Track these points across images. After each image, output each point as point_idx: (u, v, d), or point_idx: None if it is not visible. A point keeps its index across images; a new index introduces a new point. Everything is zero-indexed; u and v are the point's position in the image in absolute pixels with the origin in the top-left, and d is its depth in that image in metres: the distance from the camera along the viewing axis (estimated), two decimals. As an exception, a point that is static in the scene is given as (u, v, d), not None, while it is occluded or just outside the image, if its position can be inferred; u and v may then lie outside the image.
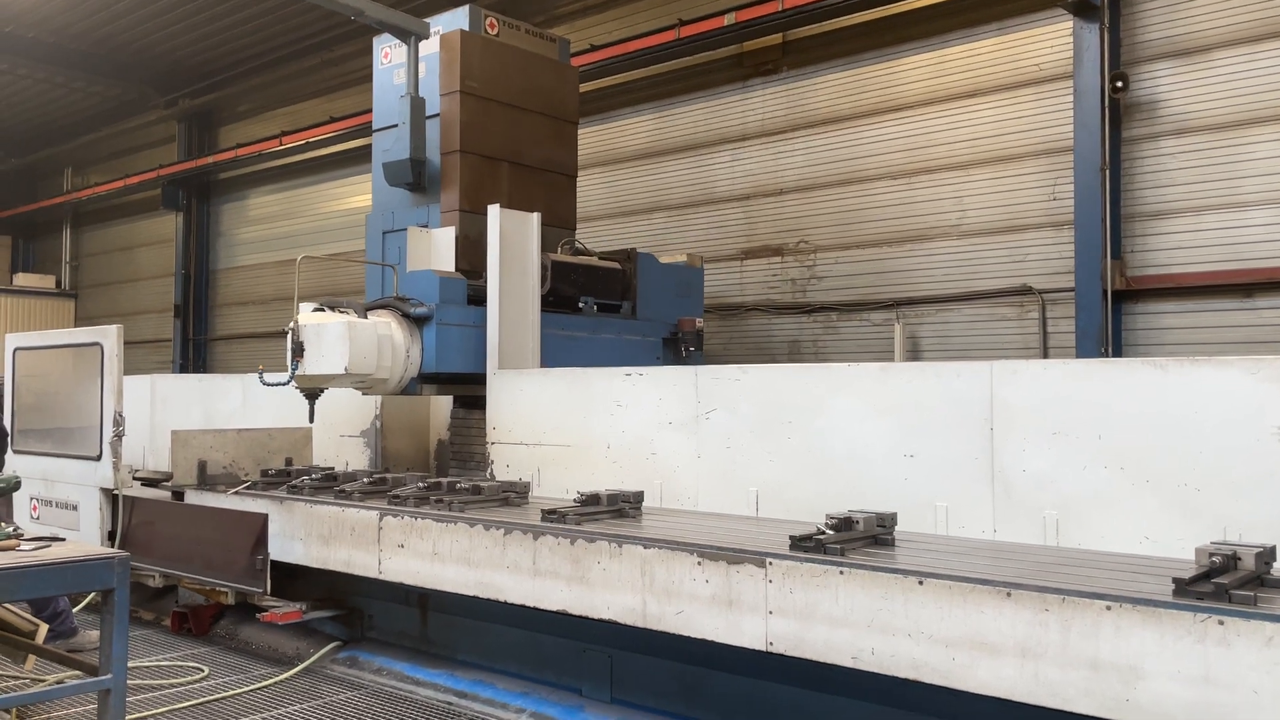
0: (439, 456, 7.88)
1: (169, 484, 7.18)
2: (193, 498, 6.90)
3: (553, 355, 7.49)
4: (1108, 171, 8.91)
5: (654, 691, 5.17)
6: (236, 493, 6.67)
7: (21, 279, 21.96)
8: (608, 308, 8.65)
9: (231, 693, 5.88)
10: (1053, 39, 9.52)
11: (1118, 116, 9.05)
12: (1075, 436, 4.41)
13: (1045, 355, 9.35)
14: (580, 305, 8.31)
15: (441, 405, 7.86)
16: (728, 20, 10.88)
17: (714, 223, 11.90)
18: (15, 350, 8.02)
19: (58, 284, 22.25)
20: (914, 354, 10.24)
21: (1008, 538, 4.56)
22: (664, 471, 5.87)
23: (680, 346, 9.05)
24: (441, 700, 5.74)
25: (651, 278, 9.05)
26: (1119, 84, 8.93)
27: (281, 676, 6.18)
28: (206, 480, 7.06)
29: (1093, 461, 4.36)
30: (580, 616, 4.79)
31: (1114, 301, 8.92)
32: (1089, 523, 4.36)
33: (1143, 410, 4.25)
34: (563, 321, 7.95)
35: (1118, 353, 8.90)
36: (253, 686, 6.00)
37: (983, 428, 4.68)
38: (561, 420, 6.46)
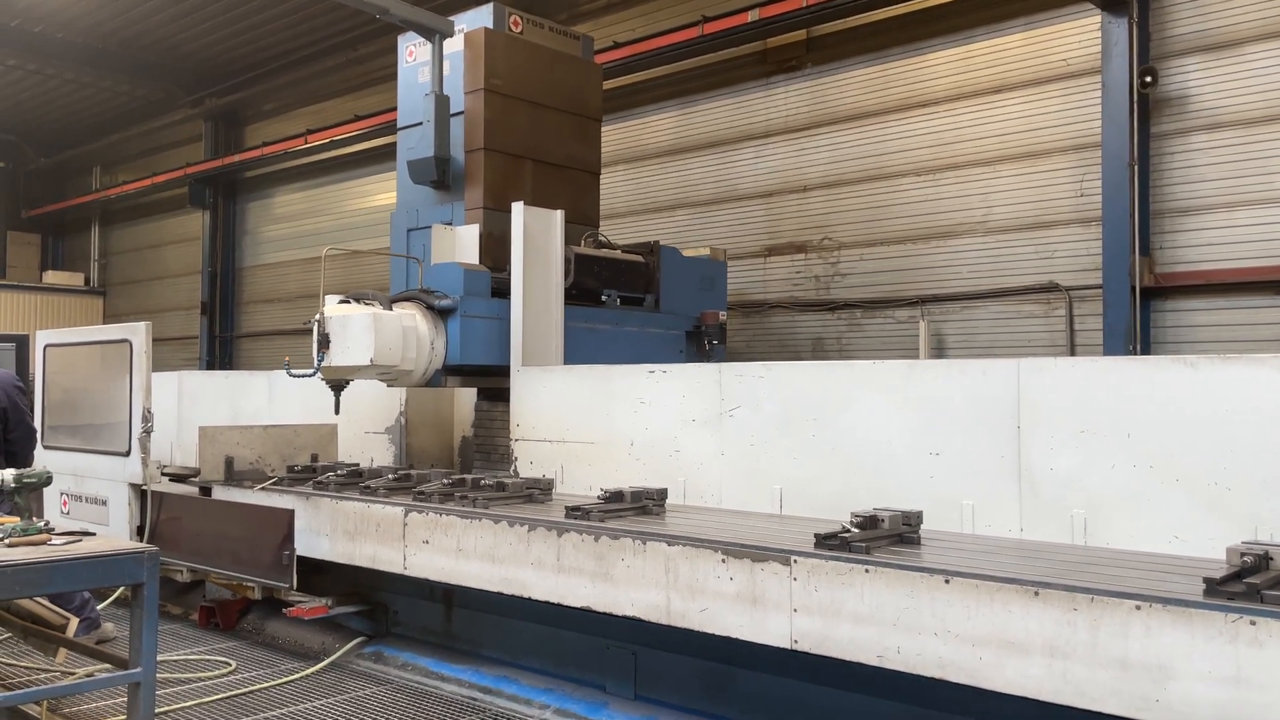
0: (463, 452, 7.91)
1: (197, 479, 7.24)
2: (220, 493, 6.96)
3: (575, 348, 7.48)
4: (1136, 167, 8.82)
5: (678, 689, 5.17)
6: (263, 488, 6.72)
7: (51, 276, 22.20)
8: (631, 300, 8.63)
9: (258, 686, 5.93)
10: (1080, 34, 9.43)
11: (1146, 112, 8.96)
12: (1103, 435, 4.36)
13: (1072, 353, 9.26)
14: (603, 298, 8.28)
15: (465, 398, 7.89)
16: (751, 17, 10.84)
17: (737, 220, 11.87)
18: (45, 347, 8.10)
19: (86, 281, 22.49)
20: (939, 352, 10.17)
21: (1035, 537, 4.52)
22: (687, 469, 5.86)
23: (703, 340, 9.01)
24: (466, 696, 5.76)
25: (674, 271, 9.01)
26: (1148, 79, 8.84)
27: (307, 671, 6.23)
28: (233, 476, 7.11)
29: (1121, 460, 4.31)
30: (604, 613, 4.80)
31: (1142, 298, 8.83)
32: (1117, 522, 4.32)
33: (1172, 408, 4.20)
34: (585, 314, 7.93)
35: (1146, 350, 8.80)
36: (279, 680, 6.04)
37: (1009, 425, 4.64)
38: (585, 417, 6.46)
